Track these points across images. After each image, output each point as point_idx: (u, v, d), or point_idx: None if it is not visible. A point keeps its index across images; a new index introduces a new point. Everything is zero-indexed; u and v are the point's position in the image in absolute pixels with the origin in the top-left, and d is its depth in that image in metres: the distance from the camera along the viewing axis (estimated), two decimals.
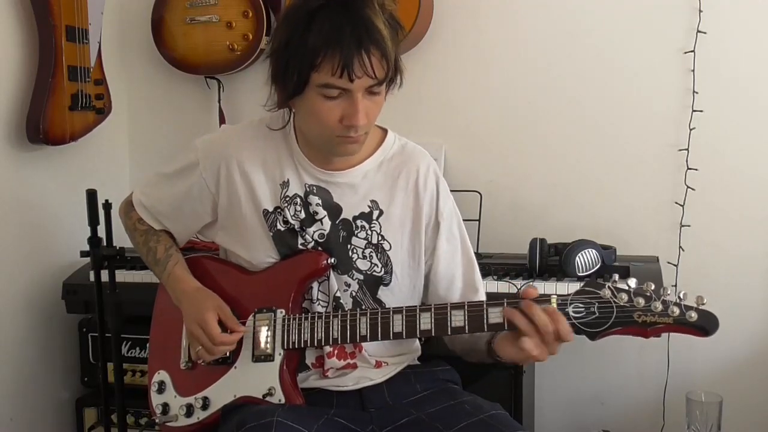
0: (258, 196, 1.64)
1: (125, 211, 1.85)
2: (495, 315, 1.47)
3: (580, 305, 1.41)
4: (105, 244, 2.03)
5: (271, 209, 1.64)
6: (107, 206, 2.04)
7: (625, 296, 1.39)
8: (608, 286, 1.41)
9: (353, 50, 1.41)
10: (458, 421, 1.51)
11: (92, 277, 2.08)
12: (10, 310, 2.46)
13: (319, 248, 1.63)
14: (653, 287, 1.38)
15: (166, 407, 1.68)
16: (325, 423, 1.52)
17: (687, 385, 2.35)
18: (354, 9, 1.44)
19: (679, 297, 1.37)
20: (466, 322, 1.48)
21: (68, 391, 2.64)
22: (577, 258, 2.15)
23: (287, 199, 1.63)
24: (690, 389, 2.22)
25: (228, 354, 1.62)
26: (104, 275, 2.04)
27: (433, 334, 1.52)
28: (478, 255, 2.35)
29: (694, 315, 1.36)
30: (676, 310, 1.37)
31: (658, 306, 1.37)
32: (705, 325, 1.37)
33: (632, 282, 1.40)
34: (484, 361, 1.60)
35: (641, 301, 1.38)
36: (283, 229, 1.64)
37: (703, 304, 1.37)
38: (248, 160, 1.65)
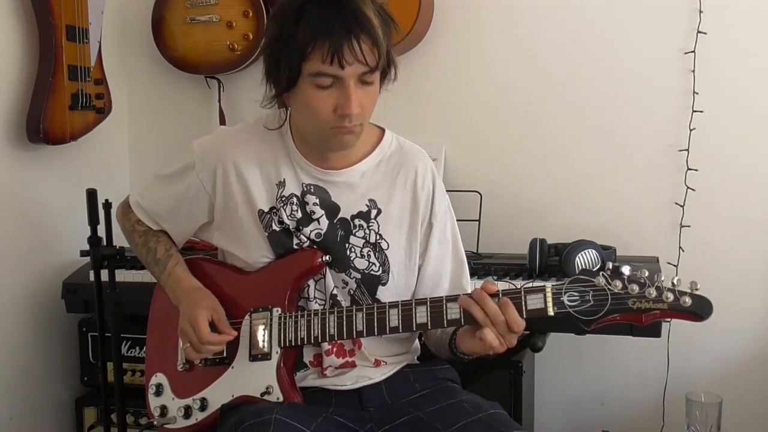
0: (253, 196, 1.64)
1: (123, 213, 1.85)
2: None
3: (575, 294, 1.42)
4: (105, 243, 2.03)
5: (266, 210, 1.64)
6: (107, 206, 2.04)
7: (619, 283, 1.39)
8: (602, 274, 1.41)
9: (343, 37, 1.43)
10: (457, 420, 1.51)
11: (92, 277, 2.08)
12: (9, 310, 2.46)
13: (315, 247, 1.63)
14: (647, 274, 1.39)
15: (164, 409, 1.68)
16: (324, 421, 1.52)
17: (687, 386, 2.35)
18: (343, 0, 1.45)
19: (672, 283, 1.38)
20: (461, 315, 1.48)
21: (68, 391, 2.64)
22: (577, 258, 2.15)
23: (283, 199, 1.63)
24: (690, 389, 2.22)
25: (224, 354, 1.62)
26: (104, 275, 2.04)
27: (429, 328, 1.53)
28: (477, 255, 2.37)
29: (688, 300, 1.37)
30: (671, 296, 1.37)
31: (653, 292, 1.38)
32: (699, 309, 1.37)
33: (626, 269, 1.40)
34: (450, 358, 1.63)
35: (635, 287, 1.38)
36: (278, 229, 1.64)
37: (696, 289, 1.38)
38: (244, 161, 1.65)
